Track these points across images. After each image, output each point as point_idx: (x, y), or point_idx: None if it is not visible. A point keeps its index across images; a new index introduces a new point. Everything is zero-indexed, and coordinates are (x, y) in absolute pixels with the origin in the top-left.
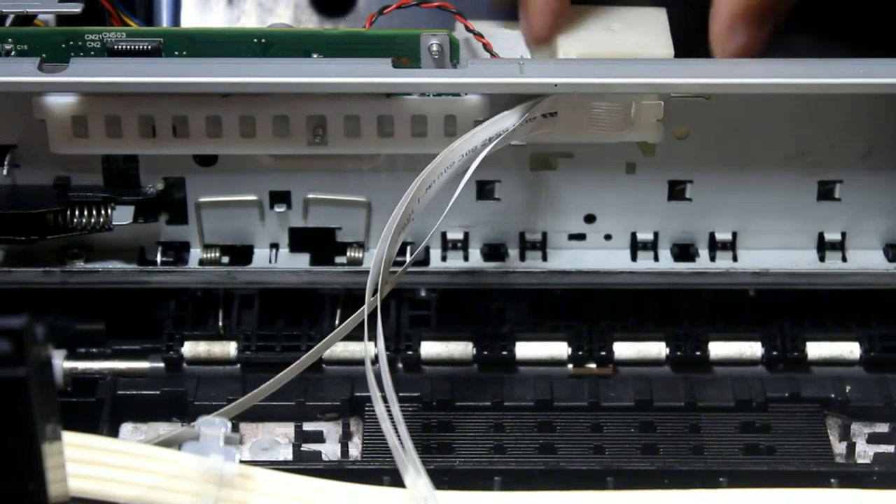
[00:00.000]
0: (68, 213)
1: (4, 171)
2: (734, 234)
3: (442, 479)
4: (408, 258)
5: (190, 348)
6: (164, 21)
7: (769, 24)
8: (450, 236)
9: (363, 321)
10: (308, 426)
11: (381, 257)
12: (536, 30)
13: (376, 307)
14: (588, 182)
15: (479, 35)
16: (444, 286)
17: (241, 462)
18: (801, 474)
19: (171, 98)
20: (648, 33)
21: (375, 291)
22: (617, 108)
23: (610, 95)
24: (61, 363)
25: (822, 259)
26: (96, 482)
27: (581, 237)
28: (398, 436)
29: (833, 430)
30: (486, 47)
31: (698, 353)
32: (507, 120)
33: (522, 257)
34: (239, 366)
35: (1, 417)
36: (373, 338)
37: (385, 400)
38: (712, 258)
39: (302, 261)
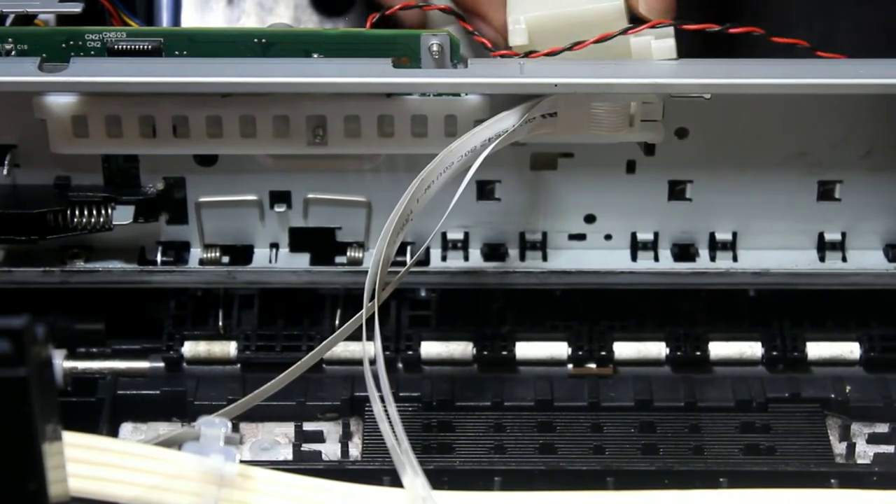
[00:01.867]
0: (68, 212)
1: (4, 171)
2: (734, 234)
3: (442, 479)
4: (408, 259)
5: (190, 348)
6: (164, 21)
7: None
8: (450, 236)
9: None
10: (308, 426)
11: (379, 257)
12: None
13: (375, 307)
14: (588, 182)
15: (478, 35)
16: (444, 286)
17: (241, 462)
18: (801, 474)
19: (171, 98)
20: None
21: (374, 291)
22: (617, 108)
23: (610, 96)
24: (61, 363)
25: (822, 259)
26: (96, 482)
27: (581, 237)
28: (395, 436)
29: (833, 431)
30: (487, 47)
31: (698, 353)
32: (507, 120)
33: (522, 257)
34: (239, 366)
35: (1, 417)
36: (372, 338)
37: (383, 400)
38: (712, 258)
39: (302, 261)
